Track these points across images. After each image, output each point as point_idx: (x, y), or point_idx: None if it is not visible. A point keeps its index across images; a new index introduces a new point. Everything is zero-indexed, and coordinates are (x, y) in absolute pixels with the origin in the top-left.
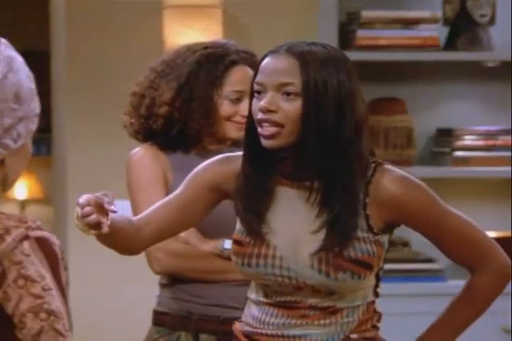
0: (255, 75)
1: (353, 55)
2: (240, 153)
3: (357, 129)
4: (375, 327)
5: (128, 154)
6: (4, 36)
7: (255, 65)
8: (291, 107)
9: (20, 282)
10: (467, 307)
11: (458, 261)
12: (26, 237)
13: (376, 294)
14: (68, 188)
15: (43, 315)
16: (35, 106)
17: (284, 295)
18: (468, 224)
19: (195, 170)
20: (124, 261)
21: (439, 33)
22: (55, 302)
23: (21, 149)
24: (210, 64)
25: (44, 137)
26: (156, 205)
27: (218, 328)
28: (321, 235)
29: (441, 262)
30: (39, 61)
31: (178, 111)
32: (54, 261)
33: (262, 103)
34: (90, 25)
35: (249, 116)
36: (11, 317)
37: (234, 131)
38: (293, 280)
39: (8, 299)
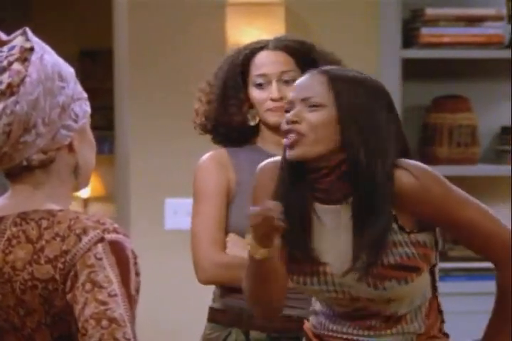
0: None
1: (416, 53)
2: (273, 159)
3: (383, 155)
4: (444, 335)
5: (190, 153)
6: (69, 35)
7: (297, 53)
8: (314, 116)
9: (88, 286)
10: (506, 306)
11: (479, 254)
12: (101, 240)
13: (435, 289)
14: (131, 186)
15: (104, 323)
16: (82, 90)
17: (345, 307)
18: (488, 215)
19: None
20: (183, 260)
21: (503, 30)
22: (118, 309)
23: (83, 133)
24: (234, 54)
25: (106, 135)
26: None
27: (269, 325)
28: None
29: None
30: (103, 59)
31: (216, 110)
32: (125, 265)
33: (287, 115)
34: (152, 24)
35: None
36: (76, 321)
37: (272, 117)
38: (347, 294)
39: (76, 302)
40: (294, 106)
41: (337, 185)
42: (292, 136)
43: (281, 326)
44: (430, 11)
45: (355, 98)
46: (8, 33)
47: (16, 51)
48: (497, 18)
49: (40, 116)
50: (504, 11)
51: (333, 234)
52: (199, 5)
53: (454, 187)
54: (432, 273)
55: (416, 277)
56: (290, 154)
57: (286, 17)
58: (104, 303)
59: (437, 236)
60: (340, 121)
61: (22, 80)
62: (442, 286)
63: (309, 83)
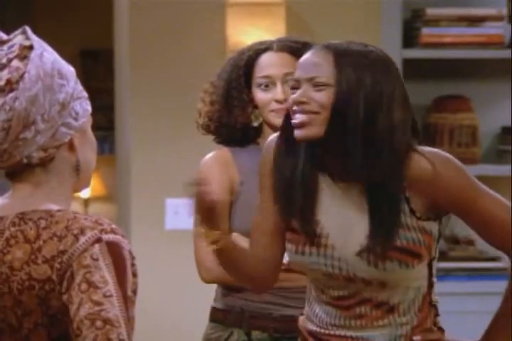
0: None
1: (417, 53)
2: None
3: (390, 130)
4: (439, 329)
5: (191, 153)
6: (70, 35)
7: (300, 54)
8: (321, 96)
9: (83, 286)
10: None
11: (491, 244)
12: (98, 240)
13: (431, 284)
14: (131, 186)
15: (98, 323)
16: (82, 89)
17: (337, 289)
18: (503, 206)
19: (259, 169)
20: (183, 260)
21: (504, 30)
22: (113, 310)
23: (84, 133)
24: (237, 55)
25: (107, 135)
26: (256, 236)
27: (270, 325)
28: (365, 229)
29: (507, 260)
30: (104, 59)
31: (219, 111)
32: (121, 266)
33: (294, 96)
34: (153, 24)
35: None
36: (71, 322)
37: (276, 118)
38: (343, 271)
39: (71, 302)
40: (300, 85)
41: (345, 163)
42: (303, 116)
43: (282, 326)
44: (431, 11)
45: (360, 76)
46: (10, 33)
47: (15, 49)
48: (497, 18)
49: (39, 113)
50: (504, 11)
51: (340, 209)
52: (199, 5)
53: (472, 177)
54: (429, 267)
55: (416, 264)
56: (300, 134)
57: (286, 17)
58: (99, 304)
59: (441, 228)
60: (335, 104)
61: (21, 76)
62: (442, 286)
63: (315, 61)
